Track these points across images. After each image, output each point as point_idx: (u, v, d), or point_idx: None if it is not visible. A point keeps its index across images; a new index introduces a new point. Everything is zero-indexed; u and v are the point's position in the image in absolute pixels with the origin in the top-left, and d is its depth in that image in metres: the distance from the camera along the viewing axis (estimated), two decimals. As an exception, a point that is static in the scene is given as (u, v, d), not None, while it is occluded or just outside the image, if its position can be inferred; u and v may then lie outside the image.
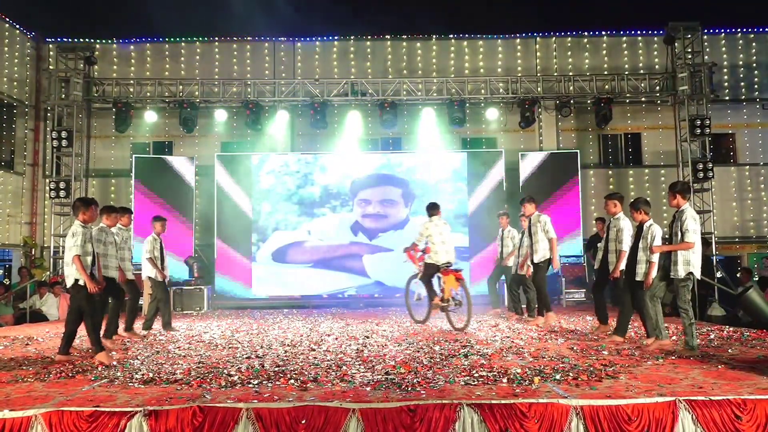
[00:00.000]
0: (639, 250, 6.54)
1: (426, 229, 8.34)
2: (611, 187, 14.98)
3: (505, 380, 4.67)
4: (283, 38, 15.72)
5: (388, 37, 15.78)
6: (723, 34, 15.55)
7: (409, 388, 4.42)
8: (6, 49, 14.52)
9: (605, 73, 15.10)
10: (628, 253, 6.87)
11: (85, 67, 14.37)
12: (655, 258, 6.30)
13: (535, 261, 8.51)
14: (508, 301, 10.54)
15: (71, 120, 14.04)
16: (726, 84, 15.44)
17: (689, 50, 14.18)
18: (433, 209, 8.47)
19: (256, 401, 4.07)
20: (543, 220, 8.53)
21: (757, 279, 13.45)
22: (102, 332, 7.27)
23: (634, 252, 6.65)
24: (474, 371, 5.04)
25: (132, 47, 15.69)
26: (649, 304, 6.33)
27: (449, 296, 8.13)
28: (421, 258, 8.59)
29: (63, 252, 6.38)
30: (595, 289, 7.98)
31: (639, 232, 6.62)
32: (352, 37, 15.77)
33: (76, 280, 6.16)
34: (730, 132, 15.62)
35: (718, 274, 12.74)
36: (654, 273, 6.30)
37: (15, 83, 14.84)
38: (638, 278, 6.52)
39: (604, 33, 15.73)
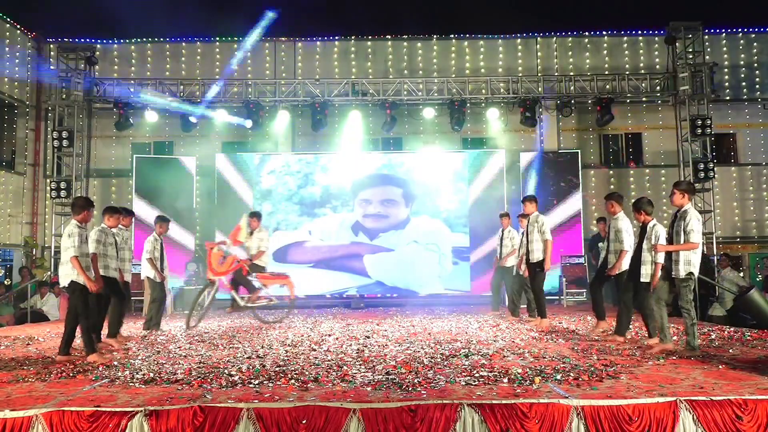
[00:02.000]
0: (643, 251, 6.50)
1: (267, 236, 9.68)
2: (612, 187, 14.97)
3: (505, 380, 4.67)
4: (283, 38, 15.72)
5: (389, 37, 15.78)
6: (724, 34, 15.53)
7: (410, 388, 4.42)
8: (7, 49, 14.53)
9: (606, 73, 15.09)
10: (633, 253, 6.83)
11: (86, 67, 14.37)
12: (661, 258, 6.24)
13: (532, 261, 8.50)
14: (508, 302, 10.52)
15: (72, 120, 14.05)
16: (727, 84, 15.42)
17: (690, 50, 14.17)
18: (261, 218, 9.75)
19: (256, 401, 4.07)
20: (541, 221, 8.50)
21: (759, 279, 13.45)
22: (105, 332, 7.27)
23: (638, 252, 6.61)
24: (475, 371, 5.04)
25: (133, 47, 15.70)
26: (655, 307, 6.29)
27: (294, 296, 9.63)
28: (238, 264, 9.06)
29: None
30: (592, 287, 7.96)
31: (642, 233, 6.58)
32: (352, 37, 15.77)
33: (73, 280, 6.15)
34: (731, 132, 15.61)
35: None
36: (659, 273, 6.27)
37: (16, 83, 14.85)
38: (643, 279, 6.48)
39: (605, 33, 15.72)
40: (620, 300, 7.22)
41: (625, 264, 7.20)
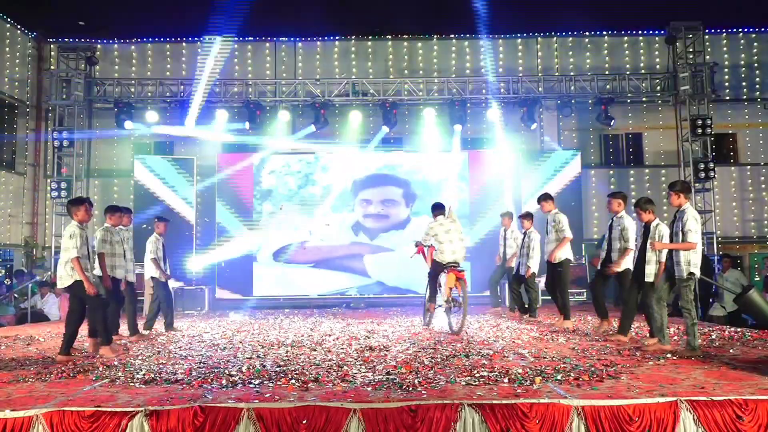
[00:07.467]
0: (647, 251, 6.48)
1: (431, 229, 8.08)
2: (612, 187, 14.95)
3: (506, 380, 4.67)
4: (284, 38, 15.72)
5: (389, 37, 15.78)
6: (724, 34, 15.53)
7: (411, 388, 4.42)
8: (7, 49, 14.53)
9: (606, 72, 15.08)
10: (637, 253, 6.79)
11: (86, 67, 14.36)
12: (664, 257, 6.25)
13: (552, 262, 8.37)
14: (509, 301, 10.51)
15: (72, 120, 14.05)
16: (727, 84, 15.41)
17: (690, 50, 14.17)
18: (436, 210, 8.27)
19: (257, 401, 4.07)
20: (558, 219, 8.40)
21: (758, 279, 13.44)
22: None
23: (642, 252, 6.59)
24: (475, 371, 5.04)
25: (133, 47, 15.70)
26: (656, 307, 6.27)
27: (449, 295, 7.84)
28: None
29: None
30: (593, 285, 7.92)
31: (646, 233, 6.56)
32: (353, 37, 15.77)
33: (77, 280, 6.18)
34: (732, 132, 15.60)
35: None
36: (662, 273, 6.27)
37: (16, 83, 14.85)
38: (648, 279, 6.46)
39: (605, 33, 15.72)
40: (623, 300, 7.21)
41: (626, 263, 7.19)
